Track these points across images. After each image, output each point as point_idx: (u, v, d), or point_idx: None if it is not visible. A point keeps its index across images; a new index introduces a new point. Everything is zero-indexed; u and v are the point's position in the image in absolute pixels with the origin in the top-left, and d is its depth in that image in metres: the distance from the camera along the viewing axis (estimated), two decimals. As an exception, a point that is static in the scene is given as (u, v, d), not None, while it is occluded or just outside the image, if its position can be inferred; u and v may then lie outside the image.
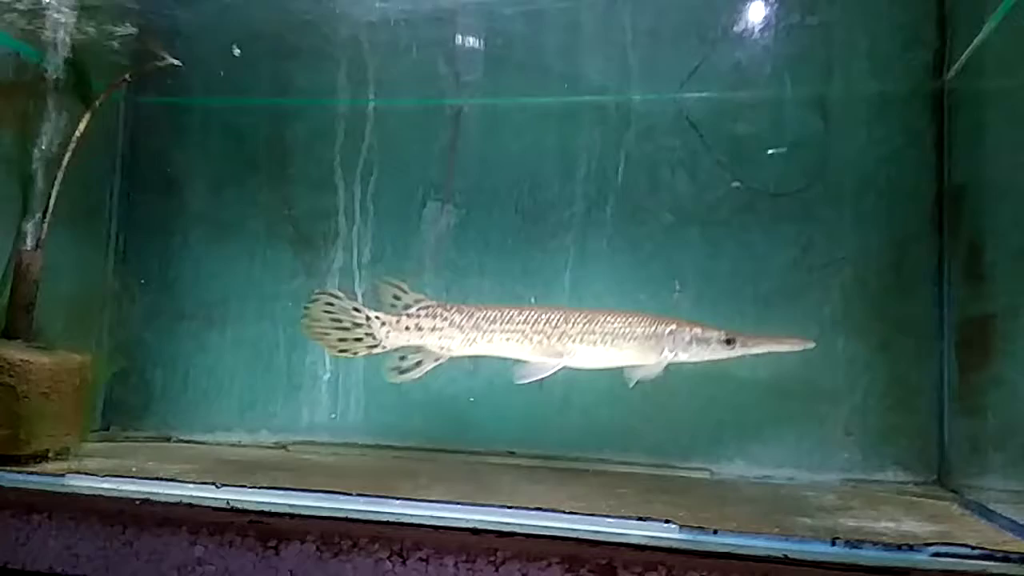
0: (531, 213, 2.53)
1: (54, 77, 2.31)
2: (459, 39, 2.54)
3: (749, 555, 1.38)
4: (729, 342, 1.97)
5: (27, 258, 2.11)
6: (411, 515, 1.54)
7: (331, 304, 2.06)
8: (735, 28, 2.40)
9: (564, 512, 1.51)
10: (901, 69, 2.32)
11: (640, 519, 1.48)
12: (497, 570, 1.38)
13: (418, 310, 2.05)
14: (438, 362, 2.05)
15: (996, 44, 1.93)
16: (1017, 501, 1.68)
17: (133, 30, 2.29)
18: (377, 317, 2.04)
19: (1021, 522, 1.59)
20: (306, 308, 2.08)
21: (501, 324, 2.02)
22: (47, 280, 2.16)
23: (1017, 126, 1.81)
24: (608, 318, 2.00)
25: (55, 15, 2.24)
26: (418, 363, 2.05)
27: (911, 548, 1.38)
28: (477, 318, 2.03)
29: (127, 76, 2.38)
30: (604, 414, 2.35)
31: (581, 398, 2.37)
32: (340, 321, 2.04)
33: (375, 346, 2.04)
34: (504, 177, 2.56)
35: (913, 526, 1.65)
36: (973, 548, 1.37)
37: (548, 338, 2.00)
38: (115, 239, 2.74)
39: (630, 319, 2.00)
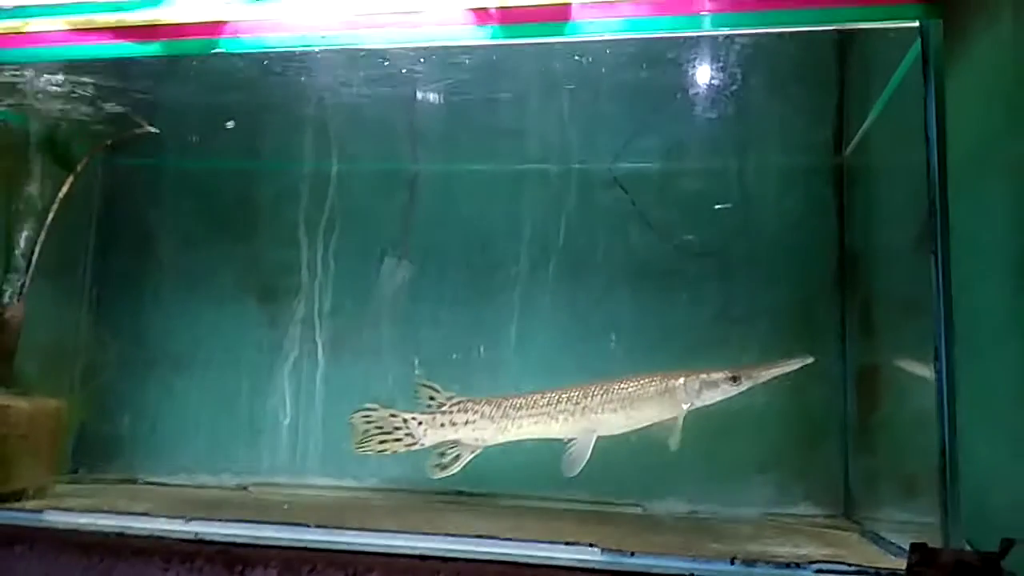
0: (481, 269, 2.73)
1: (37, 141, 2.50)
2: (416, 113, 2.78)
3: (661, 574, 1.58)
4: (735, 379, 2.07)
5: (10, 311, 2.27)
6: (364, 543, 1.72)
7: (369, 415, 2.17)
8: (664, 109, 2.68)
9: (500, 539, 1.71)
10: (807, 146, 2.62)
11: (567, 543, 1.68)
12: (439, 590, 1.56)
13: (450, 407, 2.17)
14: (475, 454, 2.16)
15: (878, 127, 2.23)
16: (904, 530, 1.91)
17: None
18: (414, 418, 2.16)
19: (905, 547, 1.82)
20: (350, 423, 2.18)
21: (527, 409, 2.15)
22: (26, 329, 2.31)
23: (895, 199, 2.10)
24: (622, 384, 2.12)
25: (41, 88, 2.43)
26: (456, 456, 2.16)
27: (798, 566, 1.59)
28: (505, 407, 2.15)
29: (108, 142, 2.57)
30: (546, 455, 2.52)
31: (525, 441, 2.55)
32: (381, 428, 2.16)
33: (414, 444, 2.16)
34: (456, 236, 2.77)
35: (810, 550, 1.88)
36: (850, 565, 1.59)
37: (572, 415, 2.12)
38: (90, 292, 2.88)
39: (641, 381, 2.12)
